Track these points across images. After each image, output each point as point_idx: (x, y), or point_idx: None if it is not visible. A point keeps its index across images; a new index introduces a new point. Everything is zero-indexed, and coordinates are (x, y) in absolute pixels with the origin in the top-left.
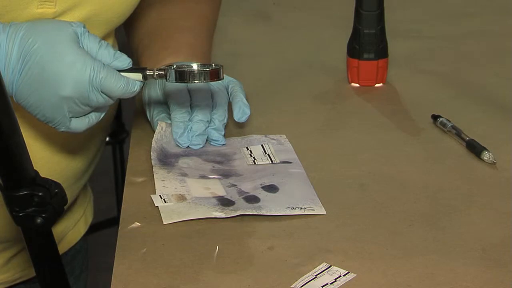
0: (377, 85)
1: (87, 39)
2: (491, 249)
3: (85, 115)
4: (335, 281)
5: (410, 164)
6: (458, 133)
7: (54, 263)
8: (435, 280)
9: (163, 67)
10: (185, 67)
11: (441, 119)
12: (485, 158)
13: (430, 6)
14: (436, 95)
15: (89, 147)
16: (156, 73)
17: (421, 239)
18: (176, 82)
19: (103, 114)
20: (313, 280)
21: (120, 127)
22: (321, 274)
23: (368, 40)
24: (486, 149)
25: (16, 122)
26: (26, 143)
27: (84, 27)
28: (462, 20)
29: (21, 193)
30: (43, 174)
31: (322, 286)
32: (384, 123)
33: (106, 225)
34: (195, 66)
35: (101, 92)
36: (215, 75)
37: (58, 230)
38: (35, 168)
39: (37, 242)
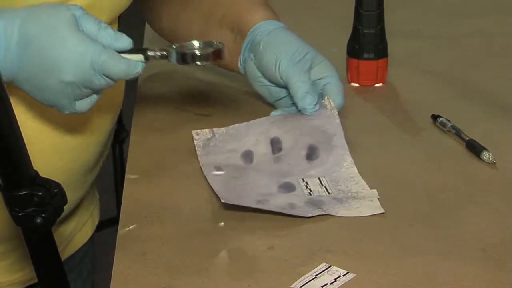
0: (377, 85)
1: (86, 21)
2: (491, 249)
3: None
4: (335, 281)
5: (410, 164)
6: (458, 133)
7: (54, 263)
8: (435, 280)
9: (164, 47)
10: (185, 47)
11: (441, 119)
12: (484, 158)
13: (430, 6)
14: (436, 95)
15: (99, 138)
16: (158, 54)
17: (421, 239)
18: (178, 63)
19: (101, 92)
20: (313, 280)
21: (120, 127)
22: (321, 274)
23: (368, 40)
24: (486, 149)
25: (16, 121)
26: (34, 138)
27: (82, 9)
28: (462, 20)
29: (21, 193)
30: (53, 167)
31: (322, 286)
32: (383, 123)
33: (106, 225)
34: (196, 44)
35: (103, 75)
36: (217, 55)
37: (66, 232)
38: (46, 161)
39: (37, 242)
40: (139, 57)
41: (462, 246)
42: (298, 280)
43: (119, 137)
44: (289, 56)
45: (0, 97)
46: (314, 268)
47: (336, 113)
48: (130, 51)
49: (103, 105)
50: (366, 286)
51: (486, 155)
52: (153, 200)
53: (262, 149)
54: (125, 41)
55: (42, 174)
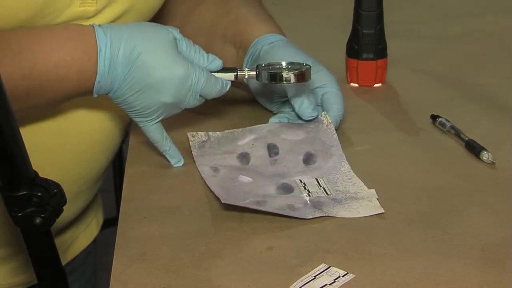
0: (376, 85)
1: (184, 44)
2: (490, 249)
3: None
4: (334, 281)
5: (409, 164)
6: (457, 133)
7: (54, 264)
8: (434, 280)
9: (254, 67)
10: (276, 67)
11: (440, 119)
12: (484, 158)
13: (429, 6)
14: (435, 95)
15: (112, 146)
16: (247, 73)
17: (421, 239)
18: (266, 82)
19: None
20: (312, 281)
21: None
22: (320, 275)
23: (367, 40)
24: (485, 149)
25: (15, 122)
26: (55, 148)
27: (179, 32)
28: (462, 20)
29: (20, 193)
30: (70, 174)
31: (321, 287)
32: (383, 123)
33: (105, 225)
34: (284, 64)
35: (200, 95)
36: (302, 77)
37: (69, 233)
38: (66, 171)
39: (36, 243)
40: (230, 76)
41: (462, 246)
42: (298, 281)
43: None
44: None
45: (0, 98)
46: (314, 268)
47: (333, 128)
48: (220, 71)
49: (118, 116)
50: (365, 287)
51: (485, 155)
52: (153, 200)
53: (258, 152)
54: (218, 62)
55: (62, 182)
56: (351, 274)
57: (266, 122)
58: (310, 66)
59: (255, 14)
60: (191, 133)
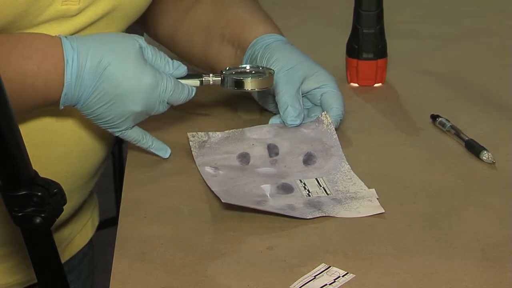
0: (376, 85)
1: (149, 51)
2: (490, 249)
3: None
4: (334, 281)
5: (409, 164)
6: (457, 133)
7: (54, 263)
8: (434, 280)
9: (218, 73)
10: (240, 71)
11: (440, 119)
12: (484, 158)
13: (430, 6)
14: (435, 95)
15: (104, 144)
16: (213, 79)
17: (421, 239)
18: (231, 88)
19: None
20: (312, 281)
21: None
22: (320, 274)
23: (367, 40)
24: (485, 149)
25: (15, 122)
26: (43, 145)
27: (144, 40)
28: (462, 20)
29: (20, 193)
30: (60, 173)
31: (321, 287)
32: (383, 123)
33: (105, 225)
34: (248, 68)
35: (167, 102)
36: (267, 83)
37: (65, 233)
38: (54, 168)
39: (36, 243)
40: (195, 82)
41: (462, 246)
42: (297, 281)
43: (119, 137)
44: (280, 67)
45: (0, 98)
46: (314, 268)
47: (333, 128)
48: (185, 77)
49: None
50: (365, 287)
51: (485, 155)
52: (153, 200)
53: (258, 152)
54: (183, 69)
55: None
56: (351, 274)
57: (266, 122)
58: (274, 71)
59: (252, 14)
60: (191, 133)
